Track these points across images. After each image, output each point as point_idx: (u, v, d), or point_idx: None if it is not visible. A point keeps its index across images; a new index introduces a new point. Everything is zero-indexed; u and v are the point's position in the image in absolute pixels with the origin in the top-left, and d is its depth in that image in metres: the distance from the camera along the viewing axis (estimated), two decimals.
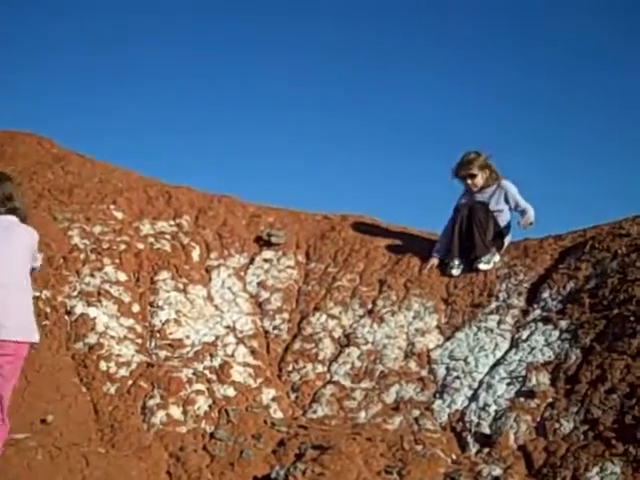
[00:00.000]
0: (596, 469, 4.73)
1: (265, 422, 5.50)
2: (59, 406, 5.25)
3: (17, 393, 5.14)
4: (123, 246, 7.08)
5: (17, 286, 4.10)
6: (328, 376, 6.24)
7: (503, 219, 7.30)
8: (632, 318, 5.77)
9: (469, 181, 7.39)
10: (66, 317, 6.16)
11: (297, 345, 6.57)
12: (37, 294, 6.20)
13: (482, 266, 7.06)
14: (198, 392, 5.62)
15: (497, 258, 7.14)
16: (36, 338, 4.17)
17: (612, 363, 5.48)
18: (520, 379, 5.75)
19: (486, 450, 5.25)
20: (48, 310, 6.14)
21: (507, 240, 7.33)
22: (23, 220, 4.34)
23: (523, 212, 7.29)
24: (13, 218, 4.26)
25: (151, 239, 7.37)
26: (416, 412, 5.73)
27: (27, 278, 4.21)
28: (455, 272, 7.11)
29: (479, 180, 7.39)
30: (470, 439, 5.40)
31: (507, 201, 7.33)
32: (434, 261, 7.29)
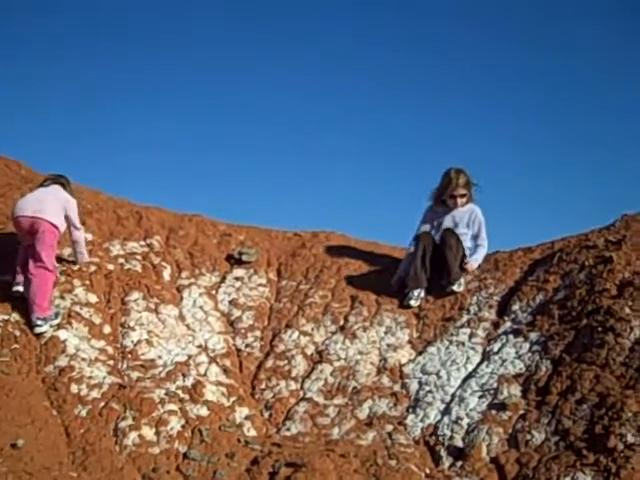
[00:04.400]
0: (567, 479, 4.76)
1: (239, 441, 5.46)
2: (30, 430, 5.18)
3: None
4: (93, 267, 7.03)
5: (42, 208, 6.46)
6: (301, 393, 6.23)
7: (466, 242, 7.28)
8: (600, 329, 5.84)
9: (459, 200, 7.29)
10: (36, 340, 6.09)
11: (270, 363, 6.55)
12: (5, 317, 6.16)
13: (456, 288, 7.07)
14: (171, 412, 5.58)
15: (463, 280, 7.16)
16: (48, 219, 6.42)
17: (581, 374, 5.54)
18: (492, 392, 5.79)
19: (459, 463, 5.26)
20: (18, 333, 6.08)
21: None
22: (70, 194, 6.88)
23: (477, 247, 7.27)
24: (59, 187, 6.84)
25: (121, 260, 7.33)
26: (389, 427, 5.74)
27: (52, 213, 6.48)
28: (414, 303, 7.04)
29: (466, 199, 7.33)
30: (443, 453, 5.41)
31: (471, 226, 7.30)
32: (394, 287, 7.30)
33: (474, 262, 7.24)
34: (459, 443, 5.42)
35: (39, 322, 6.18)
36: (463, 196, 7.30)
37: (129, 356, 6.24)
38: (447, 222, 7.35)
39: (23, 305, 6.32)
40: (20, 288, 6.44)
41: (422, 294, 7.10)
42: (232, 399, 6.00)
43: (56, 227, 6.49)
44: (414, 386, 6.13)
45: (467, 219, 7.31)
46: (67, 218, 6.68)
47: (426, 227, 7.44)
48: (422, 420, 5.75)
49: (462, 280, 7.13)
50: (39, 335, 6.15)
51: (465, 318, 6.77)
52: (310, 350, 6.68)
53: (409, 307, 7.03)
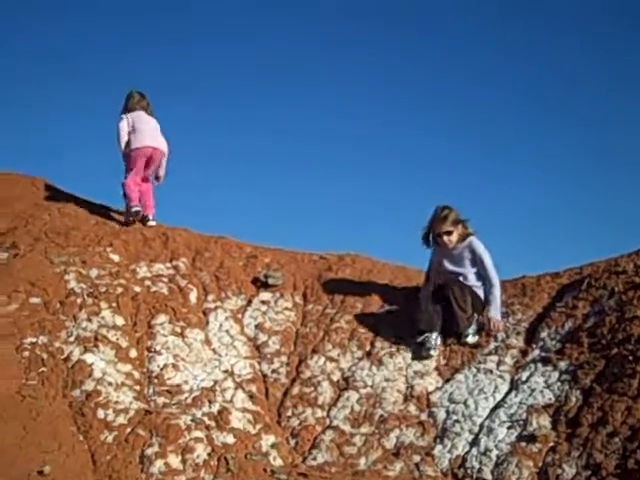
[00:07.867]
0: None
1: (265, 470, 5.42)
2: (56, 456, 5.18)
3: (14, 442, 5.10)
4: (120, 289, 7.04)
5: (159, 141, 8.47)
6: (327, 421, 6.18)
7: (471, 282, 6.98)
8: (631, 357, 5.76)
9: (445, 238, 6.99)
10: (63, 363, 6.10)
11: (296, 389, 6.52)
12: (33, 340, 6.18)
13: (470, 339, 6.81)
14: (197, 439, 5.55)
15: (475, 329, 6.88)
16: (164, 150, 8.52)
17: (613, 405, 5.45)
18: (521, 422, 5.71)
19: None
20: (45, 356, 6.08)
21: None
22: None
23: (489, 290, 6.87)
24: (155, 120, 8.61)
25: (148, 282, 7.34)
26: (417, 458, 5.68)
27: (164, 144, 8.51)
28: (433, 353, 6.72)
29: (454, 237, 7.00)
30: None
31: (474, 262, 7.00)
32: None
33: (495, 315, 6.84)
34: (488, 476, 5.35)
35: (150, 216, 8.36)
36: (449, 233, 7.00)
37: (155, 381, 6.23)
38: (446, 263, 7.12)
39: (51, 327, 6.35)
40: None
41: (439, 340, 6.80)
42: (258, 426, 5.96)
43: (166, 155, 8.46)
44: (441, 415, 6.07)
45: (467, 256, 7.02)
46: None
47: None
48: (450, 451, 5.69)
49: (477, 328, 6.86)
50: (150, 227, 8.27)
51: (492, 345, 6.71)
52: (336, 376, 6.63)
53: (429, 356, 6.72)
